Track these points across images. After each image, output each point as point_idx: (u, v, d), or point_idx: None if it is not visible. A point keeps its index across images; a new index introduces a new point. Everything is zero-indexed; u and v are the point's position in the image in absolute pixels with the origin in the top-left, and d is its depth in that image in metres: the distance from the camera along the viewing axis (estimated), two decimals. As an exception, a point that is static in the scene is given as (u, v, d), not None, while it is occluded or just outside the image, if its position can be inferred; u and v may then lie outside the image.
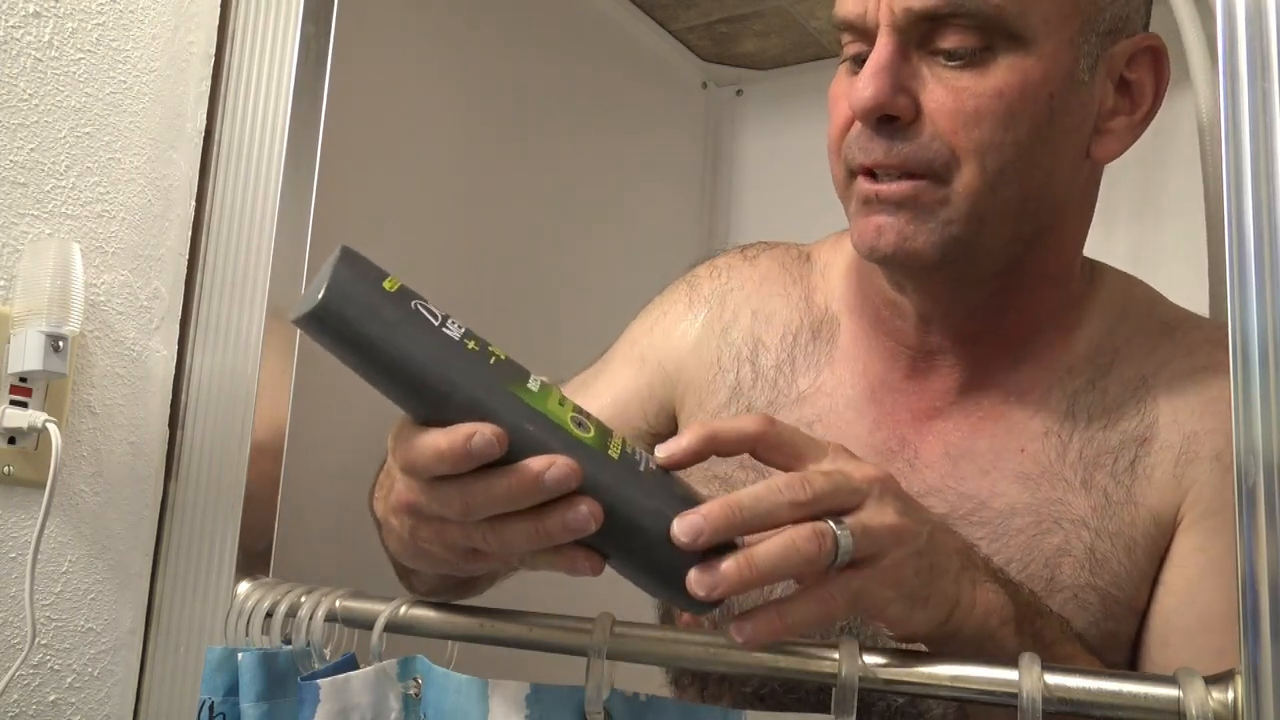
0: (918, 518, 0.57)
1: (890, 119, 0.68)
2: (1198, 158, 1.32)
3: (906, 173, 0.68)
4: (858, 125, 0.69)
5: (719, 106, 1.96)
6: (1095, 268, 0.80)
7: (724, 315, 0.85)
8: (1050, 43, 0.67)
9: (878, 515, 0.55)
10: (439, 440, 0.52)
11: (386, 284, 0.54)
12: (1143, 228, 1.54)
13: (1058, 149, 0.69)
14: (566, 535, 0.53)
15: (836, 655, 0.59)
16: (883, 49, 0.67)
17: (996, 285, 0.73)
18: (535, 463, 0.52)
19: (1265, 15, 0.55)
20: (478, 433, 0.51)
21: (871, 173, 0.69)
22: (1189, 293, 1.33)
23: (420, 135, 1.37)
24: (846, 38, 0.72)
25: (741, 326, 0.84)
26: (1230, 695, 0.52)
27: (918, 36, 0.67)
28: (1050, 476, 0.72)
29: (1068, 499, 0.71)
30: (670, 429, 0.86)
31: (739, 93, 1.96)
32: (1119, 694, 0.54)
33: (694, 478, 0.80)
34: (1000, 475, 0.73)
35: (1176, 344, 0.75)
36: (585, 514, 0.53)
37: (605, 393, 0.87)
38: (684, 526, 0.52)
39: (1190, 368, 0.73)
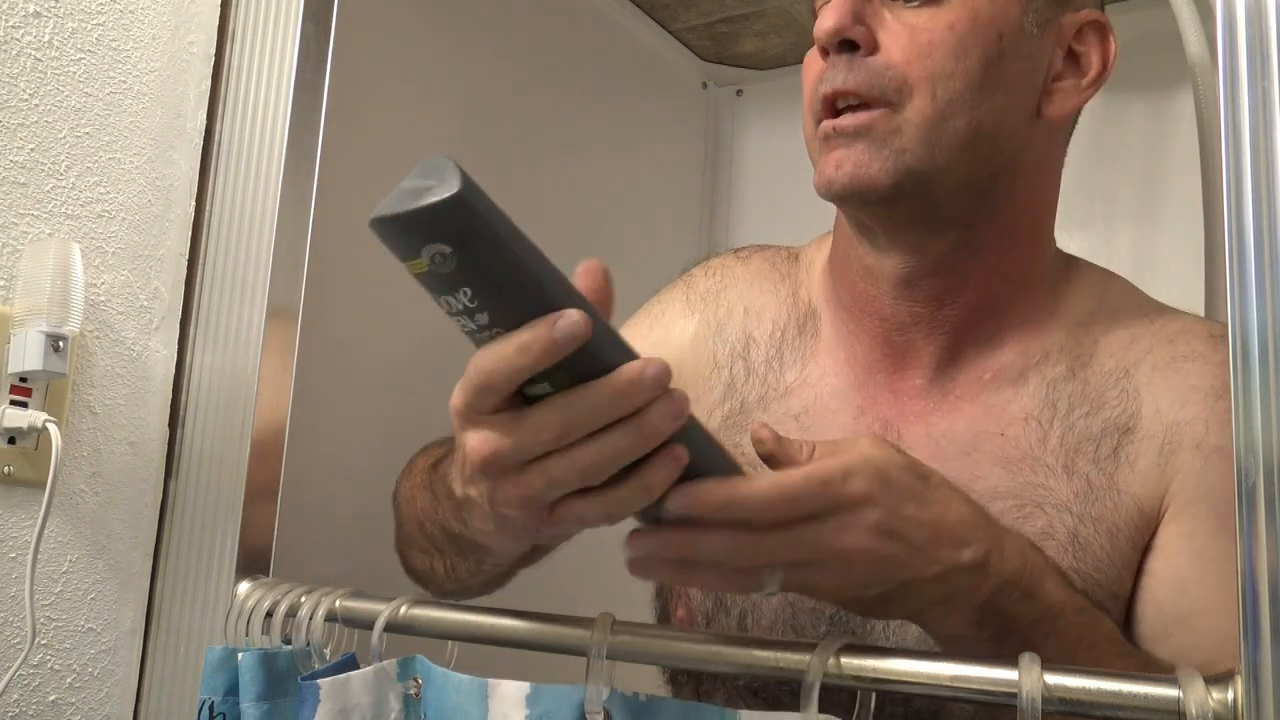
0: (877, 577, 0.57)
1: (850, 47, 0.73)
2: (1198, 158, 1.32)
3: (862, 101, 0.72)
4: (823, 67, 0.74)
5: (719, 106, 1.96)
6: (1072, 261, 0.82)
7: (718, 313, 0.87)
8: None
9: (820, 576, 0.57)
10: (520, 336, 0.49)
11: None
12: (1143, 228, 1.54)
13: (1008, 91, 0.73)
14: (671, 424, 0.51)
15: (833, 655, 0.59)
16: None
17: (959, 238, 0.75)
18: (635, 364, 0.51)
19: (1265, 15, 0.55)
20: (563, 316, 0.48)
21: (833, 110, 0.74)
22: (1189, 293, 1.33)
23: (420, 135, 1.37)
24: (819, 2, 0.77)
25: (735, 323, 0.86)
26: (1230, 695, 0.52)
27: None
28: (1031, 462, 0.73)
29: (1049, 484, 0.72)
30: None
31: (739, 93, 1.95)
32: (1119, 694, 0.54)
33: None
34: (981, 458, 0.74)
35: (1156, 335, 0.77)
36: (682, 395, 0.52)
37: None
38: (636, 544, 0.55)
39: (1170, 357, 0.75)
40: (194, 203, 1.00)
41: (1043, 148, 0.78)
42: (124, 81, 0.95)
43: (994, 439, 0.75)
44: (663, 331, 0.89)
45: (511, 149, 1.50)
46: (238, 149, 0.98)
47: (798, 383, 0.82)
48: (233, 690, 0.76)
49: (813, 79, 0.76)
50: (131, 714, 0.94)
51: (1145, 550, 0.71)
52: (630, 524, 0.57)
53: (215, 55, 1.01)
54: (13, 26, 0.87)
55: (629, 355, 0.51)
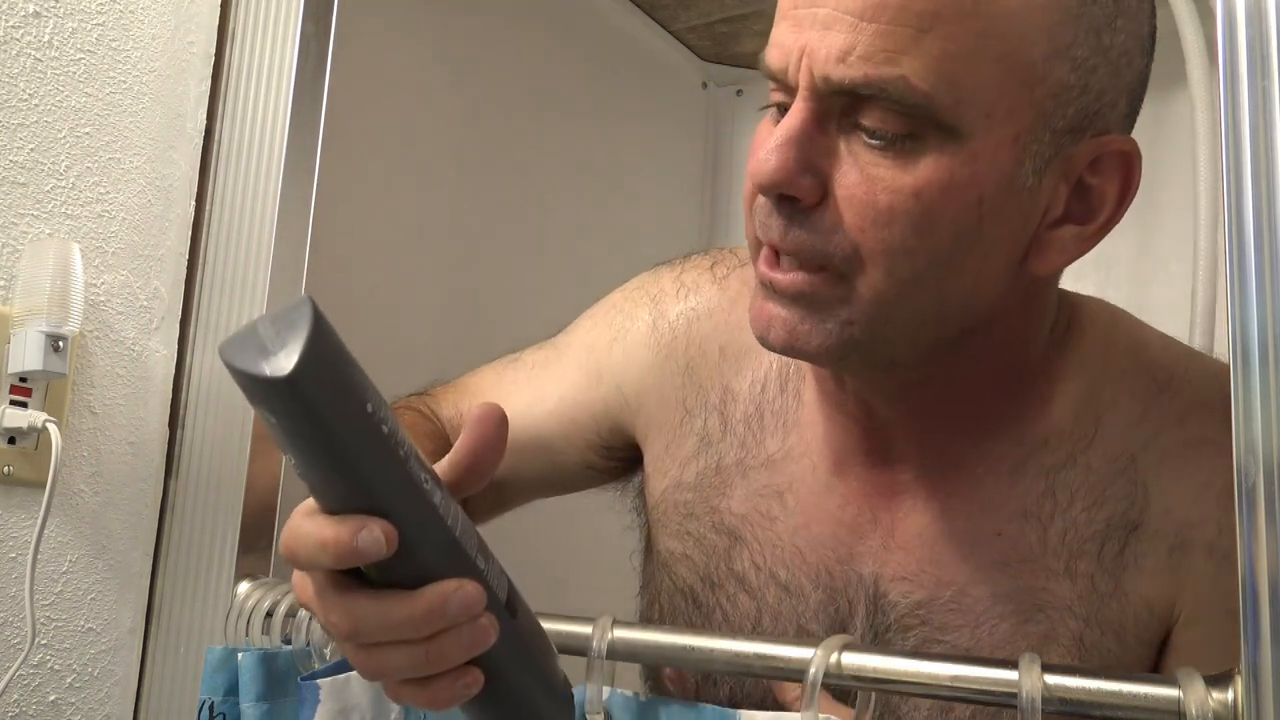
0: None
1: (791, 199, 0.60)
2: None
3: (803, 263, 0.61)
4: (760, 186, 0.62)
5: (719, 106, 1.96)
6: (1073, 313, 0.72)
7: (689, 348, 0.80)
8: (989, 139, 0.58)
9: None
10: (324, 530, 0.46)
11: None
12: (1143, 228, 1.54)
13: (985, 259, 0.61)
14: (465, 655, 0.48)
15: (834, 654, 0.59)
16: (794, 118, 0.60)
17: (927, 373, 0.68)
18: (443, 588, 0.47)
19: (1265, 15, 0.55)
20: (366, 527, 0.45)
21: (772, 252, 0.63)
22: (1189, 293, 1.33)
23: (420, 135, 1.37)
24: (771, 85, 0.64)
25: (709, 365, 0.79)
26: (1230, 695, 0.52)
27: (840, 107, 0.59)
28: (1030, 563, 0.68)
29: (1050, 586, 0.67)
30: (628, 450, 0.84)
31: (739, 93, 1.95)
32: (1119, 694, 0.54)
33: (669, 529, 0.79)
34: (978, 562, 0.69)
35: (1166, 411, 0.69)
36: (488, 625, 0.48)
37: (553, 395, 0.84)
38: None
39: (1181, 443, 0.68)
40: (194, 203, 1.00)
41: (1030, 292, 0.66)
42: (124, 81, 0.95)
43: (990, 539, 0.68)
44: (623, 355, 0.82)
45: (511, 149, 1.50)
46: (238, 149, 0.98)
47: (780, 454, 0.74)
48: (233, 690, 0.76)
49: (749, 194, 0.63)
50: (131, 714, 0.94)
51: (1160, 649, 0.68)
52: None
53: (215, 55, 1.01)
54: (13, 26, 0.87)
55: (455, 564, 0.48)
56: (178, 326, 0.98)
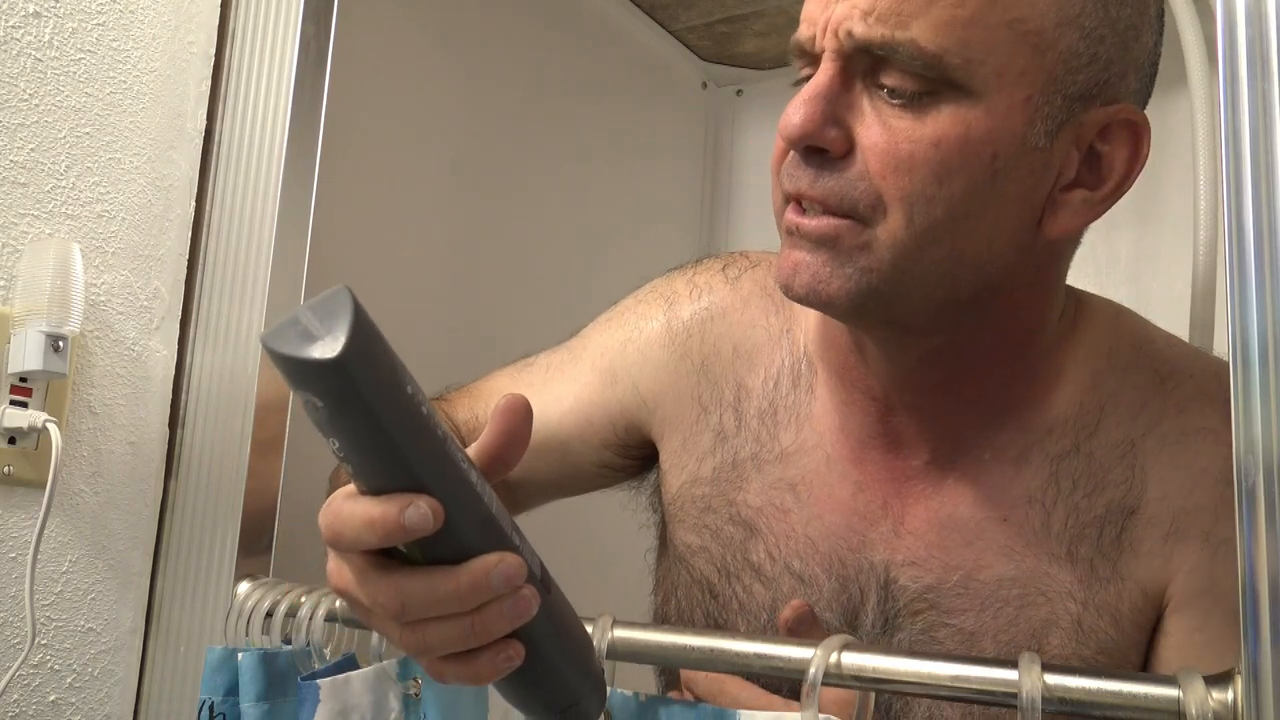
0: None
1: (819, 150, 0.64)
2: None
3: (829, 209, 0.65)
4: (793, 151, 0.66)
5: (719, 106, 1.96)
6: (1079, 306, 0.75)
7: (704, 346, 0.82)
8: (1002, 98, 0.62)
9: None
10: (370, 509, 0.47)
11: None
12: (1143, 228, 1.54)
13: (999, 216, 0.65)
14: (509, 625, 0.49)
15: (834, 654, 0.59)
16: (822, 75, 0.64)
17: (941, 343, 0.70)
18: (485, 562, 0.48)
19: (1265, 15, 0.55)
20: (413, 504, 0.46)
21: (800, 204, 0.66)
22: (1188, 293, 1.33)
23: (420, 135, 1.37)
24: (799, 62, 0.68)
25: (723, 362, 0.81)
26: (1230, 695, 0.52)
27: (864, 67, 0.64)
28: (1034, 548, 0.70)
29: (1052, 571, 0.69)
30: (644, 449, 0.85)
31: (739, 93, 1.95)
32: (1119, 694, 0.54)
33: (686, 524, 0.80)
34: (985, 546, 0.71)
35: (1167, 399, 0.71)
36: (529, 596, 0.49)
37: (569, 395, 0.85)
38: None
39: (1180, 431, 0.70)
40: (194, 203, 1.00)
41: (1043, 260, 0.69)
42: (124, 81, 0.95)
43: (997, 525, 0.71)
44: (638, 355, 0.84)
45: (511, 150, 1.50)
46: (238, 149, 0.98)
47: (793, 447, 0.77)
48: (233, 690, 0.76)
49: (779, 154, 0.68)
50: (131, 714, 0.94)
51: (1151, 633, 0.69)
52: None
53: (215, 55, 1.01)
54: (13, 26, 0.87)
55: (493, 540, 0.49)
56: (178, 326, 0.98)
